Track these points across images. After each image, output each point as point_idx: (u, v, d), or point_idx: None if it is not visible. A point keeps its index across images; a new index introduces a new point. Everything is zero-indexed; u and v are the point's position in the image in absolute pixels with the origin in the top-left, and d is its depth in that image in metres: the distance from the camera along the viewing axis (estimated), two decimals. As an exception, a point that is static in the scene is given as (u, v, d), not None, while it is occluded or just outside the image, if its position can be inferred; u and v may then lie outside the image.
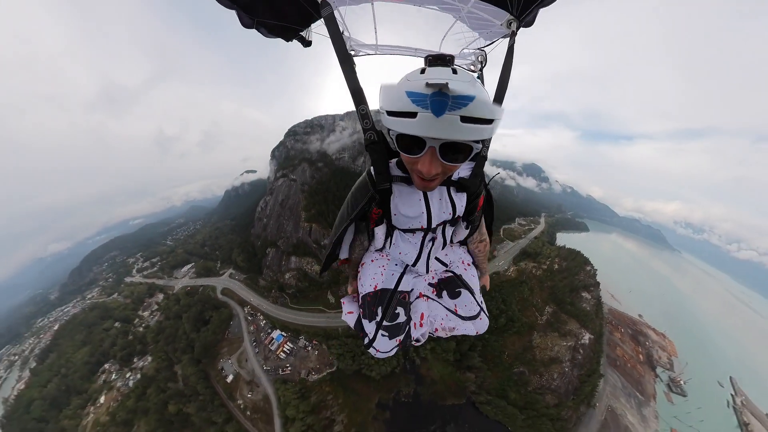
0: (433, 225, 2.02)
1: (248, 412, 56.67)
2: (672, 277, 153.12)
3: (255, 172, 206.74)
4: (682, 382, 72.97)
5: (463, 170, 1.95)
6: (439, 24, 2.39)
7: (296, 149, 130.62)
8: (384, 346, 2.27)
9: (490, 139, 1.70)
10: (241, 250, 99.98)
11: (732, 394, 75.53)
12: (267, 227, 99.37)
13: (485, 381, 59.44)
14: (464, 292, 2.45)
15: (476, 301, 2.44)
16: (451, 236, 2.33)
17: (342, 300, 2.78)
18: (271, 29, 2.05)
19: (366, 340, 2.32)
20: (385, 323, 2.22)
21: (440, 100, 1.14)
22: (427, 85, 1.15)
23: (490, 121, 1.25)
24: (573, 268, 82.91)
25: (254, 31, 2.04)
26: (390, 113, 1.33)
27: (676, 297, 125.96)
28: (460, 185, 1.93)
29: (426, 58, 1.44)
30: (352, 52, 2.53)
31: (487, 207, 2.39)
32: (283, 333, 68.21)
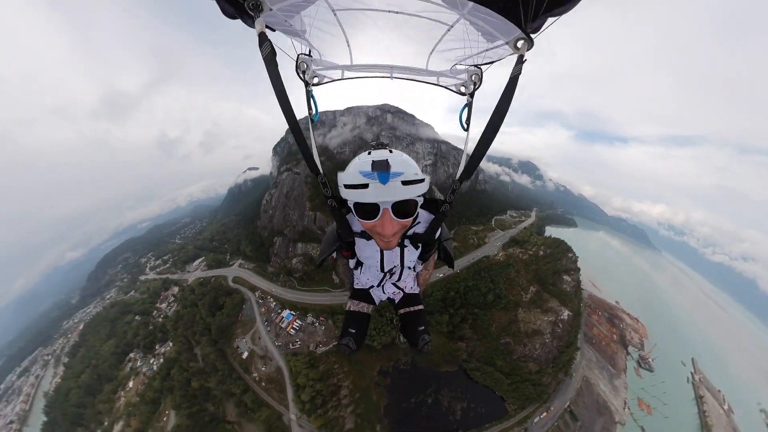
0: (385, 270, 2.78)
1: (263, 383, 61.39)
2: (651, 273, 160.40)
3: (257, 169, 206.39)
4: (650, 360, 79.94)
5: (420, 228, 2.50)
6: (425, 37, 2.07)
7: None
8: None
9: (438, 200, 2.35)
10: (249, 242, 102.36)
11: (692, 372, 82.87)
12: (273, 218, 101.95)
13: (475, 350, 64.72)
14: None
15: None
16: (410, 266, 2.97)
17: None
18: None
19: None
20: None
21: (385, 172, 1.78)
22: (373, 161, 1.81)
23: (422, 180, 1.92)
24: (556, 254, 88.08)
25: (250, 30, 1.93)
26: (347, 186, 1.92)
27: (653, 290, 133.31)
28: (415, 240, 2.49)
29: (370, 143, 2.16)
30: (315, 80, 2.55)
31: (445, 256, 2.93)
32: (292, 312, 71.89)
